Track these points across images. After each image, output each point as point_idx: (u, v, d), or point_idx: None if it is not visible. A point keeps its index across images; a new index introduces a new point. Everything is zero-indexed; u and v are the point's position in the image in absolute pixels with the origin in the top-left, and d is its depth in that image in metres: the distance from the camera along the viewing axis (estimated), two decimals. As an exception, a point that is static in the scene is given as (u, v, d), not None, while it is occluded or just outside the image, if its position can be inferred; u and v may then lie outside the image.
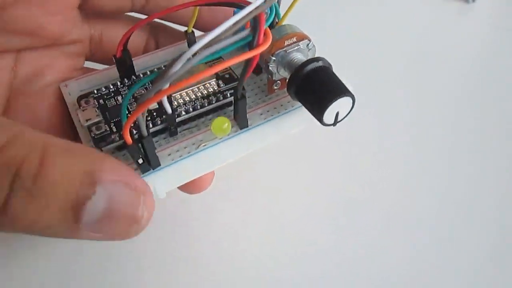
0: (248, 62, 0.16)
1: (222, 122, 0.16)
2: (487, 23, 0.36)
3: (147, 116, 0.18)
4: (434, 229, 0.23)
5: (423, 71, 0.32)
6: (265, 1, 0.16)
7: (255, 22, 0.15)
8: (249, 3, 0.16)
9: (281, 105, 0.19)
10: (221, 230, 0.23)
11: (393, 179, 0.25)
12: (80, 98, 0.19)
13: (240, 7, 0.17)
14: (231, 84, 0.19)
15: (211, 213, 0.23)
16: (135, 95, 0.19)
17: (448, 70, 0.32)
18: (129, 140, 0.16)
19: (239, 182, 0.25)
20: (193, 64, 0.14)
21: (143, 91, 0.19)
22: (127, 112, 0.18)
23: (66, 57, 0.20)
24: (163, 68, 0.17)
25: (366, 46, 0.33)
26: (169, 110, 0.17)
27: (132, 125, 0.16)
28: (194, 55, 0.14)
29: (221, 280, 0.21)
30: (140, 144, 0.16)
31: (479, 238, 0.23)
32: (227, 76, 0.20)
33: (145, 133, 0.16)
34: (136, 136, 0.16)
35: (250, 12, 0.15)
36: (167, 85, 0.15)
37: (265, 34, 0.16)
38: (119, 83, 0.20)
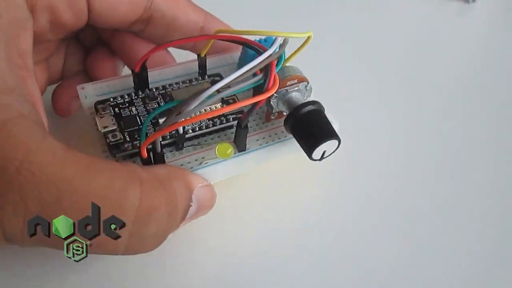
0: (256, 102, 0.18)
1: (226, 148, 0.19)
2: (487, 23, 0.36)
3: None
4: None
5: (423, 71, 0.32)
6: (276, 51, 0.18)
7: (266, 68, 0.18)
8: (264, 48, 0.19)
9: (275, 134, 0.22)
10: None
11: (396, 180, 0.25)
12: (98, 103, 0.21)
13: (255, 50, 0.19)
14: (235, 110, 0.22)
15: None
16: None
17: (448, 70, 0.32)
18: (145, 155, 0.18)
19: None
20: (208, 104, 0.17)
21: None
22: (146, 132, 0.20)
23: None
24: (181, 99, 0.19)
25: (365, 46, 0.33)
26: (181, 131, 0.19)
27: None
28: (211, 95, 0.17)
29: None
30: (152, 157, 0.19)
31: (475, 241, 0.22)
32: (231, 101, 0.22)
33: (158, 150, 0.18)
34: (150, 150, 0.19)
35: (264, 59, 0.18)
36: (182, 119, 0.17)
37: (274, 79, 0.18)
38: (133, 94, 0.22)
